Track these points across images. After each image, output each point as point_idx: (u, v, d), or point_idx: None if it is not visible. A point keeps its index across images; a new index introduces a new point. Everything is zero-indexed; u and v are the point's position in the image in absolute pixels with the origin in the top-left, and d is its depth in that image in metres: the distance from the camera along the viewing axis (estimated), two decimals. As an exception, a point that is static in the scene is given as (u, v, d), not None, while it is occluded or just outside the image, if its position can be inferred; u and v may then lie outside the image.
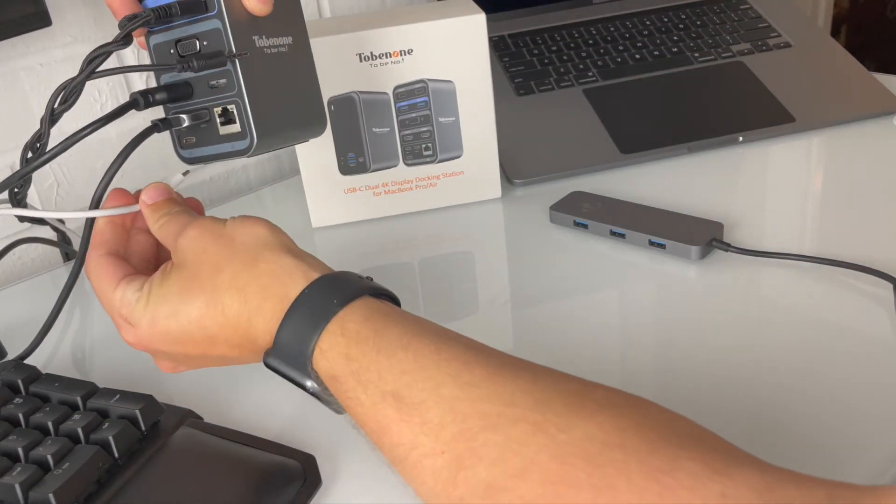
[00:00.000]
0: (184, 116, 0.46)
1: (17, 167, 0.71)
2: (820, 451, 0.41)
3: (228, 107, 0.45)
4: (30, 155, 0.46)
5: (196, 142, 0.47)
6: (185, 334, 0.40)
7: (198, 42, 0.45)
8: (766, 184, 0.70)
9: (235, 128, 0.46)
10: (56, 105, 0.44)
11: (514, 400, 0.32)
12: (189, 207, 0.45)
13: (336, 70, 0.64)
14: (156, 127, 0.45)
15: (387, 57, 0.64)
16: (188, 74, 0.46)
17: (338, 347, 0.36)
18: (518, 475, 0.30)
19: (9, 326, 0.59)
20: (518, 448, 0.30)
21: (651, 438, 0.30)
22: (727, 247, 0.58)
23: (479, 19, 0.65)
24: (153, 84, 0.48)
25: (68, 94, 0.44)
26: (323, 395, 0.37)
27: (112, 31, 0.74)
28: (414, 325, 0.37)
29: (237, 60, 0.44)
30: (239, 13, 0.44)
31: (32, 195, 0.73)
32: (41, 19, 0.64)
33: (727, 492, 0.27)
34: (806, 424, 0.43)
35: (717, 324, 0.52)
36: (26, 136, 0.70)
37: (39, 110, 0.71)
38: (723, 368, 0.47)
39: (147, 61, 0.48)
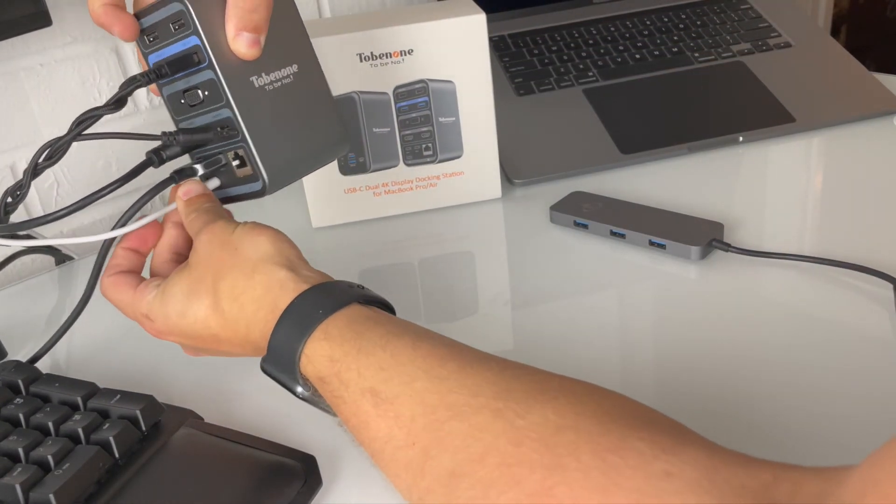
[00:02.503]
0: (198, 167, 0.47)
1: (17, 167, 0.71)
2: (819, 451, 0.41)
3: (239, 151, 0.46)
4: (9, 200, 0.47)
5: (221, 183, 0.48)
6: (193, 332, 0.42)
7: (200, 92, 0.45)
8: (766, 184, 0.70)
9: (249, 170, 0.46)
10: (41, 160, 0.45)
11: (480, 390, 0.34)
12: (220, 205, 0.47)
13: (336, 70, 0.64)
14: (172, 179, 0.46)
15: (387, 57, 0.64)
16: (204, 119, 0.46)
17: (321, 351, 0.37)
18: (478, 460, 0.31)
19: (9, 326, 0.59)
20: (479, 434, 0.32)
21: (604, 420, 0.31)
22: (727, 247, 0.58)
23: (480, 19, 0.65)
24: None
25: (53, 151, 0.45)
26: (313, 399, 0.39)
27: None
28: (396, 326, 0.38)
29: (234, 108, 0.44)
30: (230, 59, 0.44)
31: (33, 195, 0.73)
32: (41, 19, 0.64)
33: (672, 469, 0.28)
34: (805, 424, 0.43)
35: (718, 324, 0.52)
36: (26, 137, 0.71)
37: (39, 110, 0.71)
38: (723, 368, 0.47)
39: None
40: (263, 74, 0.45)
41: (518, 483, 0.30)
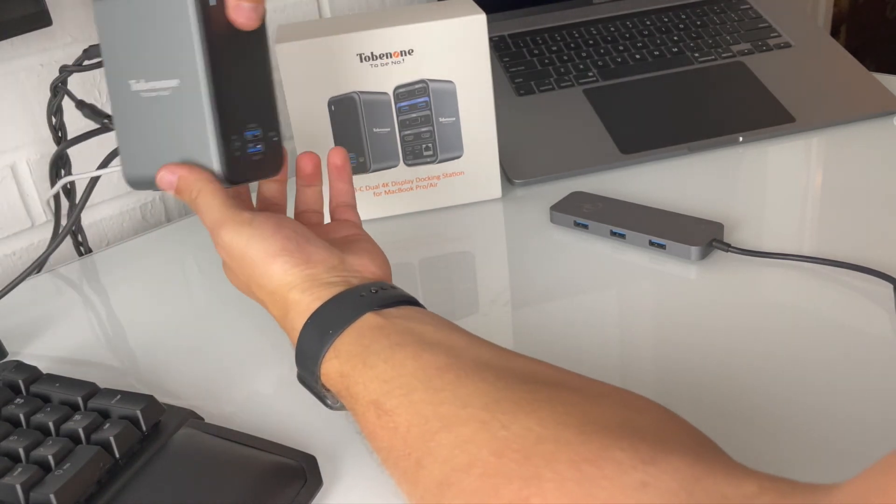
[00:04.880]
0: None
1: (18, 167, 0.71)
2: (819, 452, 0.41)
3: None
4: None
5: None
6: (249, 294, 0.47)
7: None
8: (766, 184, 0.70)
9: None
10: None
11: (470, 401, 0.34)
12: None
13: (336, 70, 0.64)
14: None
15: (387, 57, 0.64)
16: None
17: (333, 368, 0.39)
18: (463, 470, 0.32)
19: (9, 326, 0.59)
20: (465, 445, 0.33)
21: (586, 429, 0.31)
22: (727, 247, 0.58)
23: (480, 19, 0.65)
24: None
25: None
26: (344, 409, 0.41)
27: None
28: (402, 335, 0.39)
29: (112, 106, 0.47)
30: (119, 59, 0.46)
31: (32, 193, 0.73)
32: (41, 19, 0.64)
33: (648, 480, 0.28)
34: (805, 425, 0.43)
35: (717, 324, 0.52)
36: (26, 137, 0.71)
37: (40, 110, 0.71)
38: (722, 369, 0.47)
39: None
40: (143, 80, 0.46)
41: (496, 493, 0.31)
